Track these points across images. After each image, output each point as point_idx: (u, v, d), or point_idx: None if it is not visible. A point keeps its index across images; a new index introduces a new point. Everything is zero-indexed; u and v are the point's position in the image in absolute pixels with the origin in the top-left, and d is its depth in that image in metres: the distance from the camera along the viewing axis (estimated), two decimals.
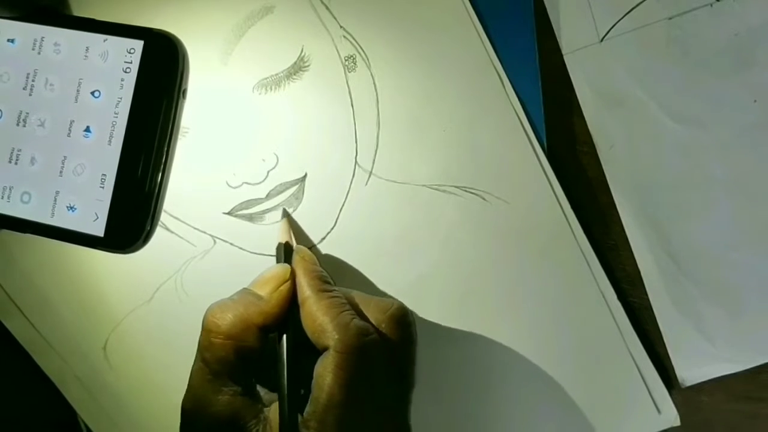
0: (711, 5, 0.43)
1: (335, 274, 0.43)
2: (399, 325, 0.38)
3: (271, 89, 0.43)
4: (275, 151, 0.43)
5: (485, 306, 0.44)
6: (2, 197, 0.35)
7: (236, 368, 0.36)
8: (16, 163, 0.35)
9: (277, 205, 0.43)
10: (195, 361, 0.37)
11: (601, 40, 0.43)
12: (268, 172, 0.43)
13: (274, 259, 0.41)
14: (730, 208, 0.43)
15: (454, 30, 0.43)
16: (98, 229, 0.34)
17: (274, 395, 0.39)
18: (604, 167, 0.44)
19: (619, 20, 0.43)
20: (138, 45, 0.34)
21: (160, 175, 0.34)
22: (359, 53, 0.43)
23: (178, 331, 0.44)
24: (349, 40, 0.43)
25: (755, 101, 0.43)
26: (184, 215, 0.44)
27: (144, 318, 0.45)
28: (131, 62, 0.34)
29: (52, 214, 0.35)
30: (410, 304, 0.39)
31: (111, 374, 0.45)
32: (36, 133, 0.35)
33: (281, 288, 0.38)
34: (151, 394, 0.45)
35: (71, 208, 0.35)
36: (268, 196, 0.44)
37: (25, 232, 0.35)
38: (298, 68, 0.43)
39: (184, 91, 0.35)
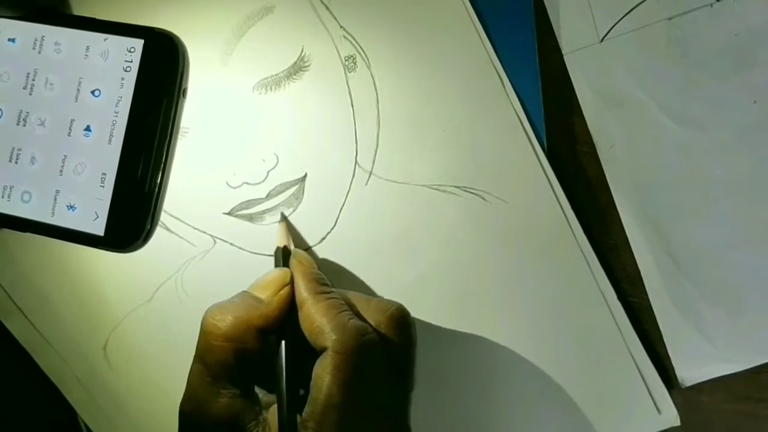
0: (711, 5, 0.43)
1: (334, 276, 0.43)
2: (399, 325, 0.38)
3: (271, 89, 0.43)
4: (275, 151, 0.43)
5: (485, 306, 0.44)
6: (2, 196, 0.35)
7: (235, 370, 0.36)
8: (16, 163, 0.35)
9: (277, 205, 0.43)
10: (193, 363, 0.37)
11: (601, 40, 0.44)
12: (268, 172, 0.43)
13: (274, 259, 0.41)
14: (730, 209, 0.43)
15: (454, 30, 0.43)
16: (98, 228, 0.34)
17: (272, 396, 0.39)
18: (604, 167, 0.44)
19: (619, 20, 0.43)
20: (138, 44, 0.34)
21: (160, 174, 0.34)
22: (359, 53, 0.43)
23: (178, 331, 0.44)
24: (349, 40, 0.43)
25: (755, 102, 0.43)
26: (184, 215, 0.44)
27: (144, 318, 0.45)
28: (131, 61, 0.34)
29: (53, 213, 0.35)
30: (409, 304, 0.39)
31: (111, 374, 0.45)
32: (36, 132, 0.35)
33: (281, 292, 0.38)
34: (151, 394, 0.45)
35: (71, 207, 0.35)
36: (268, 196, 0.44)
37: (25, 231, 0.35)
38: (298, 68, 0.43)
39: (185, 91, 0.35)
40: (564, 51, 0.44)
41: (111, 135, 0.34)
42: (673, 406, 0.44)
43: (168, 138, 0.34)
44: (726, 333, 0.44)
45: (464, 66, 0.43)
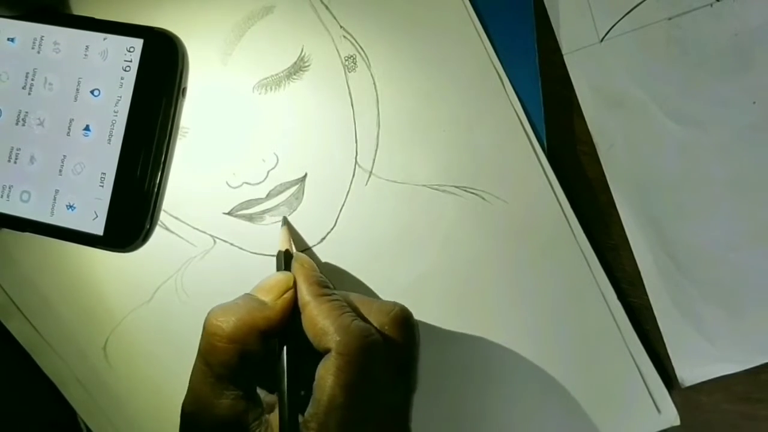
0: (711, 5, 0.43)
1: (335, 276, 0.43)
2: (402, 326, 0.38)
3: (271, 89, 0.43)
4: (275, 151, 0.43)
5: (485, 306, 0.44)
6: (2, 196, 0.35)
7: (238, 372, 0.36)
8: (15, 162, 0.35)
9: (277, 205, 0.43)
10: (195, 363, 0.37)
11: (601, 40, 0.43)
12: (268, 172, 0.43)
13: (274, 259, 0.41)
14: (730, 208, 0.43)
15: (454, 30, 0.43)
16: (97, 228, 0.34)
17: (273, 397, 0.39)
18: (604, 167, 0.44)
19: (619, 20, 0.43)
20: (138, 43, 0.34)
21: (159, 173, 0.34)
22: (359, 53, 0.43)
23: (178, 331, 0.44)
24: (349, 40, 0.43)
25: (754, 102, 0.43)
26: (184, 215, 0.44)
27: (144, 318, 0.45)
28: (131, 61, 0.34)
29: (52, 213, 0.35)
30: (410, 304, 0.39)
31: (111, 374, 0.45)
32: (35, 131, 0.35)
33: (285, 296, 0.38)
34: (151, 395, 0.45)
35: (70, 206, 0.35)
36: (268, 196, 0.44)
37: (24, 230, 0.35)
38: (298, 68, 0.43)
39: (184, 90, 0.35)
40: (564, 51, 0.44)
41: (110, 135, 0.34)
42: (673, 406, 0.44)
43: (167, 137, 0.34)
44: (726, 333, 0.43)
45: (464, 66, 0.43)
